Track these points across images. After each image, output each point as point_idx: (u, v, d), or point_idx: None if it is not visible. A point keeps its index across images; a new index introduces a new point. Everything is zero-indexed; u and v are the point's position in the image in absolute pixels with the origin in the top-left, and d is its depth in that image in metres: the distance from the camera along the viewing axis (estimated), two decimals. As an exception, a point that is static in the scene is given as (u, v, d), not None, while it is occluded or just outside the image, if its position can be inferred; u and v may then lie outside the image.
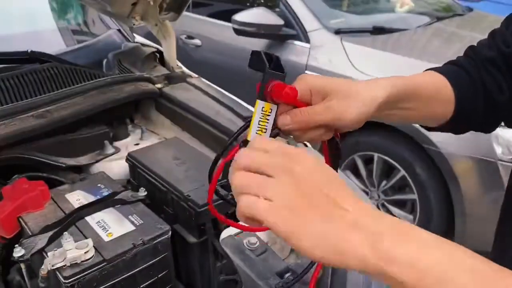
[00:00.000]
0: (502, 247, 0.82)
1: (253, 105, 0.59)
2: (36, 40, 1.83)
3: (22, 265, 0.91)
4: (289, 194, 0.44)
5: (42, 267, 0.83)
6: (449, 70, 0.76)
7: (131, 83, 1.46)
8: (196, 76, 1.70)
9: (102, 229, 0.93)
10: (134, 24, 1.62)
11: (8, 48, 1.54)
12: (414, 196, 2.47)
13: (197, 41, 3.47)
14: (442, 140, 2.27)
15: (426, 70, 0.78)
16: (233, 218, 1.04)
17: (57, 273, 0.82)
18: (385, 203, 2.65)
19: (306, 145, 1.33)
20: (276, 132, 0.60)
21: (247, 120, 0.62)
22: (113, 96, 1.37)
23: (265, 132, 0.58)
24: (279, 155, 0.48)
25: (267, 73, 0.56)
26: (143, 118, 1.57)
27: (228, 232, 0.97)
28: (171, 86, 1.57)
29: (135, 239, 0.90)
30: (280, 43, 2.98)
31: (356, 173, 2.72)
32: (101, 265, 0.85)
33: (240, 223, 0.51)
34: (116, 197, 1.04)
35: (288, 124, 0.60)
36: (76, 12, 2.21)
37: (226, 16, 3.21)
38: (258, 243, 0.96)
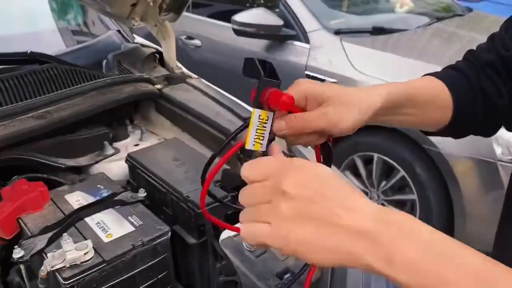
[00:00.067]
0: (502, 247, 0.82)
1: (252, 104, 0.59)
2: (36, 40, 1.83)
3: (22, 266, 0.91)
4: (285, 214, 0.45)
5: (42, 268, 0.83)
6: (447, 75, 0.76)
7: (131, 84, 1.45)
8: (196, 76, 1.70)
9: (102, 230, 0.93)
10: (133, 25, 1.62)
11: (7, 49, 1.54)
12: (414, 197, 2.47)
13: (197, 42, 3.47)
14: (442, 140, 2.27)
15: (424, 75, 0.78)
16: (232, 219, 1.04)
17: (57, 274, 0.82)
18: (385, 203, 2.65)
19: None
20: (272, 136, 0.61)
21: (244, 123, 0.62)
22: (112, 97, 1.37)
23: (262, 140, 0.58)
24: (269, 179, 0.48)
25: (262, 81, 0.56)
26: (142, 119, 1.57)
27: (228, 233, 0.97)
28: (171, 87, 1.57)
29: (135, 240, 0.90)
30: (279, 43, 2.98)
31: (356, 173, 2.72)
32: (101, 266, 0.85)
33: (238, 225, 0.51)
34: (116, 198, 1.04)
35: (283, 129, 0.61)
36: (76, 13, 2.21)
37: (225, 16, 3.21)
38: (257, 244, 0.96)
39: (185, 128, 1.47)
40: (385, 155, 2.53)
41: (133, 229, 0.94)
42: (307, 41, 2.87)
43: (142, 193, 1.06)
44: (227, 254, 0.93)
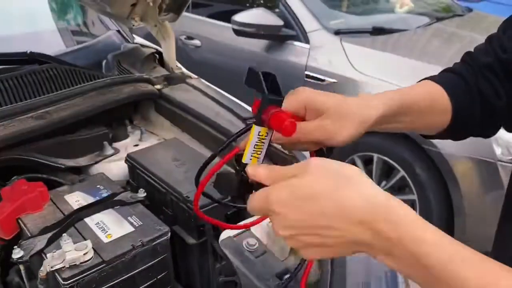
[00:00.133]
0: (502, 247, 0.82)
1: (252, 105, 0.59)
2: (36, 40, 1.82)
3: (21, 267, 0.91)
4: (293, 245, 0.51)
5: (41, 268, 0.83)
6: (445, 79, 0.76)
7: (131, 84, 1.45)
8: (196, 77, 1.70)
9: (101, 231, 0.93)
10: (133, 25, 1.62)
11: (7, 49, 1.54)
12: (414, 197, 2.47)
13: (196, 42, 3.47)
14: (441, 140, 2.26)
15: (422, 79, 0.78)
16: (233, 219, 1.04)
17: (56, 274, 0.82)
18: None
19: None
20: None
21: (244, 128, 0.63)
22: (112, 97, 1.36)
23: (259, 155, 0.59)
24: (268, 217, 0.53)
25: (266, 99, 0.56)
26: (142, 119, 1.57)
27: (227, 233, 0.97)
28: (171, 87, 1.57)
29: (134, 241, 0.90)
30: (279, 43, 2.98)
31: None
32: (100, 267, 0.85)
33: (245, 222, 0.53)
34: (115, 198, 1.04)
35: (281, 139, 0.62)
36: (75, 13, 2.21)
37: (225, 16, 3.21)
38: (257, 245, 0.96)
39: (185, 128, 1.47)
40: (385, 155, 2.53)
41: (132, 229, 0.94)
42: (307, 41, 2.86)
43: (141, 194, 1.06)
44: (227, 254, 0.93)
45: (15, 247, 0.89)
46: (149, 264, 0.93)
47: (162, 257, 0.95)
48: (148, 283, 0.94)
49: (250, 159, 0.59)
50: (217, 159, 0.64)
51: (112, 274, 0.87)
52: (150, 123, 1.54)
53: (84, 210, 0.99)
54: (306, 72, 2.79)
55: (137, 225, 0.95)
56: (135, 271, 0.91)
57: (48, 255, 0.84)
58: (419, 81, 0.78)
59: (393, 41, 2.90)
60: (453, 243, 0.44)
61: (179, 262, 1.07)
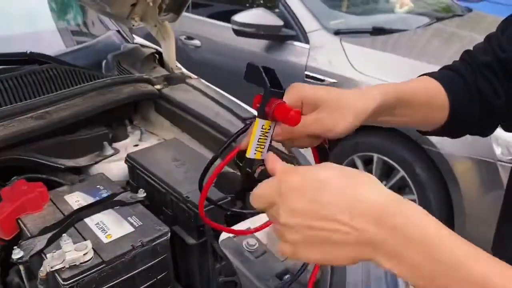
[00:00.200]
0: (501, 247, 0.82)
1: (251, 105, 0.59)
2: (36, 41, 1.82)
3: (21, 267, 0.91)
4: (292, 241, 0.49)
5: (41, 269, 0.83)
6: (444, 75, 0.76)
7: (130, 84, 1.45)
8: (196, 77, 1.70)
9: (101, 231, 0.93)
10: (133, 25, 1.62)
11: (7, 49, 1.54)
12: (414, 197, 2.47)
13: (196, 42, 3.47)
14: (441, 140, 2.27)
15: (421, 75, 0.78)
16: (232, 220, 1.04)
17: (56, 275, 0.82)
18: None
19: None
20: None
21: (243, 127, 0.63)
22: (112, 97, 1.36)
23: (263, 148, 0.59)
24: (270, 209, 0.51)
25: (268, 92, 0.56)
26: (142, 119, 1.57)
27: (227, 233, 0.97)
28: (171, 87, 1.57)
29: (134, 241, 0.90)
30: (279, 44, 2.98)
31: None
32: (100, 267, 0.85)
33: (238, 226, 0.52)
34: (115, 199, 1.04)
35: (279, 134, 0.61)
36: (75, 13, 2.21)
37: (225, 17, 3.21)
38: (257, 245, 0.96)
39: (185, 129, 1.47)
40: (385, 155, 2.53)
41: (132, 229, 0.94)
42: (307, 41, 2.86)
43: (141, 194, 1.06)
44: (227, 254, 0.93)
45: (15, 247, 0.89)
46: (149, 264, 0.93)
47: (162, 257, 0.95)
48: (148, 283, 0.94)
49: (255, 153, 0.58)
50: (218, 161, 0.64)
51: (112, 275, 0.87)
52: (150, 123, 1.54)
53: (84, 210, 0.99)
54: (306, 72, 2.79)
55: (137, 226, 0.95)
56: (135, 272, 0.91)
57: (48, 255, 0.84)
58: (418, 76, 0.78)
59: (393, 41, 2.90)
60: (468, 243, 0.43)
61: (179, 262, 1.07)
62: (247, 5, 3.58)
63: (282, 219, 0.48)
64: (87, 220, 0.97)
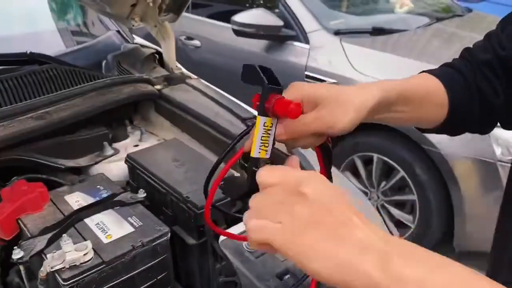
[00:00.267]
0: (501, 247, 0.82)
1: (251, 105, 0.59)
2: (36, 41, 1.82)
3: (21, 267, 0.91)
4: (299, 215, 0.44)
5: (41, 269, 0.83)
6: (444, 72, 0.76)
7: (130, 85, 1.45)
8: (195, 77, 1.70)
9: (101, 231, 0.93)
10: (133, 25, 1.62)
11: (7, 49, 1.54)
12: (414, 197, 2.47)
13: (196, 42, 3.47)
14: (441, 141, 2.27)
15: (421, 72, 0.78)
16: (234, 221, 1.04)
17: (56, 275, 0.82)
18: (385, 203, 2.65)
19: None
20: (274, 142, 0.61)
21: (246, 129, 0.62)
22: (112, 97, 1.37)
23: (267, 147, 0.58)
24: (288, 182, 0.47)
25: (266, 88, 0.56)
26: (142, 120, 1.57)
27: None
28: (171, 87, 1.57)
29: (134, 241, 0.90)
30: (279, 44, 2.98)
31: (356, 173, 2.72)
32: (100, 267, 0.85)
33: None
34: (115, 199, 1.04)
35: (282, 134, 0.61)
36: (75, 13, 2.21)
37: (225, 17, 3.21)
38: (257, 245, 0.96)
39: (185, 129, 1.47)
40: (385, 155, 2.53)
41: (132, 230, 0.94)
42: (306, 41, 2.87)
43: (141, 194, 1.06)
44: (227, 254, 0.93)
45: (15, 247, 0.89)
46: (149, 264, 0.93)
47: (162, 257, 0.95)
48: (148, 283, 0.94)
49: (259, 152, 0.58)
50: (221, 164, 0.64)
51: (112, 275, 0.87)
52: (150, 124, 1.54)
53: (84, 210, 0.99)
54: (306, 73, 2.79)
55: (137, 226, 0.95)
56: (135, 272, 0.91)
57: (48, 255, 0.84)
58: (418, 73, 0.78)
59: (393, 41, 2.91)
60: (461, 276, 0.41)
61: (179, 262, 1.07)
62: (247, 5, 3.58)
63: (306, 190, 0.45)
64: (87, 220, 0.97)
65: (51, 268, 0.82)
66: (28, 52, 1.50)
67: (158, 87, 1.55)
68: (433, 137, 2.29)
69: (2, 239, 0.99)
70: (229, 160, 0.60)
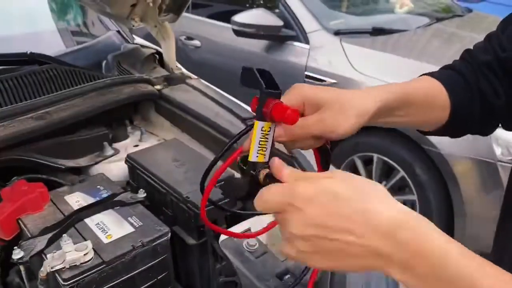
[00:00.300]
0: (501, 247, 0.82)
1: (250, 104, 0.59)
2: (36, 41, 1.83)
3: (21, 267, 0.91)
4: (302, 250, 0.48)
5: (41, 269, 0.83)
6: (444, 75, 0.76)
7: (131, 85, 1.45)
8: (196, 77, 1.70)
9: (101, 231, 0.93)
10: (133, 26, 1.62)
11: (7, 49, 1.54)
12: (414, 197, 2.47)
13: (196, 42, 3.47)
14: (441, 141, 2.27)
15: (422, 75, 0.78)
16: (233, 220, 1.04)
17: (56, 275, 0.82)
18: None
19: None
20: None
21: (244, 129, 0.62)
22: (112, 97, 1.36)
23: (265, 151, 0.58)
24: (278, 216, 0.50)
25: (264, 92, 0.56)
26: (142, 120, 1.57)
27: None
28: (171, 87, 1.57)
29: (135, 241, 0.90)
30: (279, 44, 2.98)
31: (356, 174, 2.71)
32: (100, 267, 0.85)
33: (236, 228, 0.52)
34: (115, 199, 1.04)
35: (282, 136, 0.61)
36: (75, 13, 2.21)
37: (225, 17, 3.21)
38: (257, 245, 0.96)
39: (185, 129, 1.47)
40: (385, 155, 2.53)
41: (132, 230, 0.94)
42: (307, 41, 2.87)
43: (141, 194, 1.06)
44: (227, 254, 0.93)
45: (15, 247, 0.89)
46: (149, 264, 0.93)
47: (162, 257, 0.95)
48: (148, 283, 0.94)
49: (257, 156, 0.58)
50: (219, 163, 0.64)
51: (112, 275, 0.87)
52: (150, 124, 1.54)
53: (84, 210, 0.99)
54: (306, 73, 2.79)
55: (137, 226, 0.95)
56: (135, 272, 0.90)
57: (48, 255, 0.84)
58: (419, 76, 0.78)
59: (393, 41, 2.91)
60: (475, 257, 0.44)
61: (179, 262, 1.07)
62: (247, 5, 3.58)
63: (295, 229, 0.47)
64: (87, 220, 0.97)
65: (51, 268, 0.82)
66: (28, 52, 1.50)
67: (158, 87, 1.54)
68: (433, 137, 2.29)
69: (2, 239, 0.99)
70: (227, 159, 0.60)
